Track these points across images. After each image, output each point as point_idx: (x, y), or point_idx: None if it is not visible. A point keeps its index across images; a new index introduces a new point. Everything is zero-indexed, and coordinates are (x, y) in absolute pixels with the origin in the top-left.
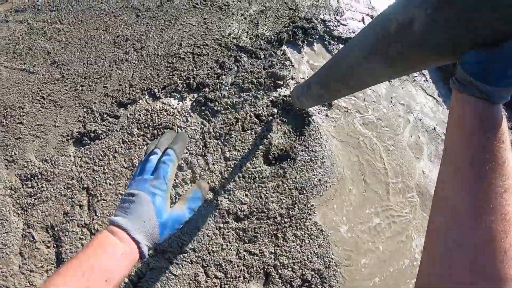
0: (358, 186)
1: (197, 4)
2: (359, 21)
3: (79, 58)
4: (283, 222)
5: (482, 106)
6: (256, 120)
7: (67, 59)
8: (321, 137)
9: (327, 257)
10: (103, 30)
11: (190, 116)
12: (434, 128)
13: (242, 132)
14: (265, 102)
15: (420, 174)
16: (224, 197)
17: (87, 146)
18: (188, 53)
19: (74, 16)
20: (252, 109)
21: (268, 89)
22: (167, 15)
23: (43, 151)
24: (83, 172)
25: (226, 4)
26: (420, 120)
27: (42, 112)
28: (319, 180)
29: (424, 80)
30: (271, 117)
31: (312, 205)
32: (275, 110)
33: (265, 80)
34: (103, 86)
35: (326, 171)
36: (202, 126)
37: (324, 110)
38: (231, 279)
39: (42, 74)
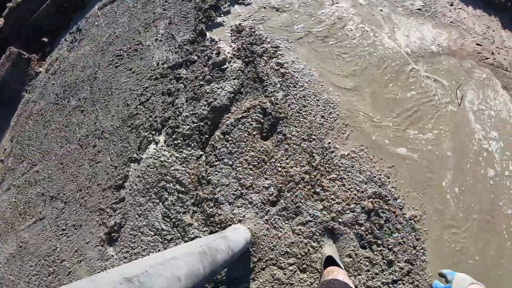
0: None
1: (116, 63)
2: None
3: (65, 179)
4: (313, 176)
5: None
6: (232, 117)
7: (58, 187)
8: (302, 79)
9: (375, 176)
10: (66, 143)
11: (168, 151)
12: None
13: (227, 136)
14: (226, 91)
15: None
16: (251, 194)
17: (119, 239)
18: (138, 106)
19: (39, 151)
20: (217, 103)
21: (218, 78)
22: (101, 91)
23: (92, 268)
24: (129, 260)
25: (138, 43)
26: None
27: (70, 241)
28: (322, 116)
29: None
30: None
31: (329, 143)
32: (242, 84)
33: (211, 73)
34: (97, 184)
35: (325, 105)
36: (180, 156)
37: (290, 44)
38: (304, 257)
39: (50, 213)
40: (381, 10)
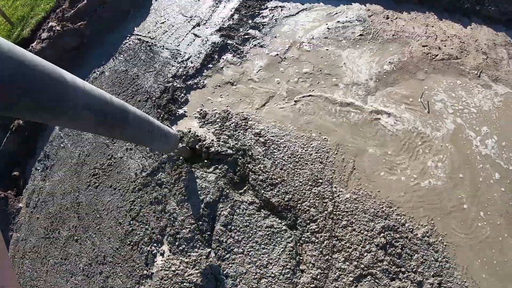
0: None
1: (95, 183)
2: None
3: None
4: (329, 227)
5: None
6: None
7: None
8: (282, 139)
9: (378, 211)
10: (71, 277)
11: (177, 259)
12: None
13: (229, 226)
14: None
15: None
16: (271, 269)
17: None
18: (131, 222)
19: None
20: (209, 198)
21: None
22: (89, 215)
23: None
24: None
25: (110, 156)
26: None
27: None
28: (321, 162)
29: None
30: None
31: (335, 187)
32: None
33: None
34: None
35: (318, 151)
36: (190, 260)
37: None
38: None
39: None
40: (327, 50)
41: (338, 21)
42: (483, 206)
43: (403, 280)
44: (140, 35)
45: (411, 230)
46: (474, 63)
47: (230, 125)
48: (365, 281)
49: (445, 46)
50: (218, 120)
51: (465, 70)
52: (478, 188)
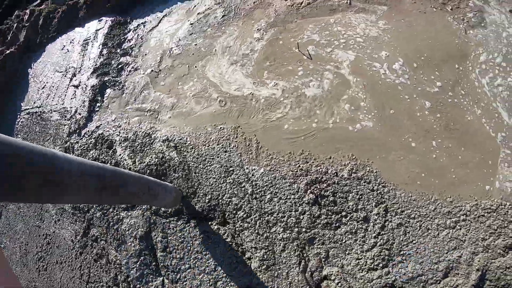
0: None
1: (43, 266)
2: None
3: None
4: (256, 207)
5: None
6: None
7: None
8: (188, 142)
9: (296, 171)
10: None
11: None
12: None
13: (168, 249)
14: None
15: None
16: (220, 271)
17: None
18: (87, 286)
19: None
20: (140, 232)
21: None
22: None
23: None
24: None
25: (45, 235)
26: None
27: None
28: (225, 151)
29: None
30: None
31: (247, 168)
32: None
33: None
34: None
35: (219, 143)
36: None
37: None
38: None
39: None
40: (196, 45)
41: (199, 13)
42: (432, 136)
43: (347, 224)
44: (28, 109)
45: (335, 174)
46: None
47: (137, 146)
48: (310, 241)
49: None
50: (128, 146)
51: (334, 4)
52: (418, 121)
